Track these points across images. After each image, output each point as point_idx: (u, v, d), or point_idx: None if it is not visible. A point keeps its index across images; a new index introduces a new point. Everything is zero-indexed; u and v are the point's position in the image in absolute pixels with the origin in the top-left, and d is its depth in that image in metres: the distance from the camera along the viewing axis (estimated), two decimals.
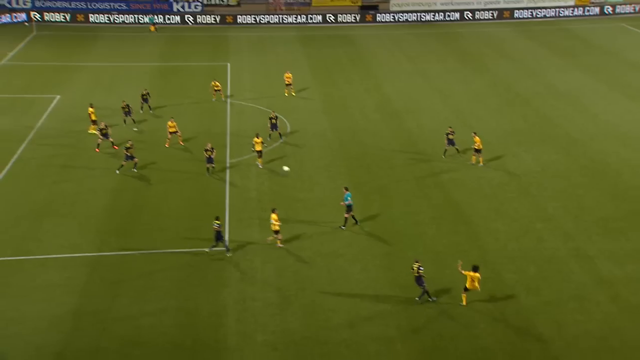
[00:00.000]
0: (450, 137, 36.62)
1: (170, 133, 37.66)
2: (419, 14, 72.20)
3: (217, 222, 27.53)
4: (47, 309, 24.56)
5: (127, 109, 40.85)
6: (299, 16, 70.29)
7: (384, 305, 24.84)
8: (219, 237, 27.54)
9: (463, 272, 24.54)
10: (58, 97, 46.08)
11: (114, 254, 27.84)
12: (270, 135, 39.02)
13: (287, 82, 47.03)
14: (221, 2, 71.36)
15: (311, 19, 70.46)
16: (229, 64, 54.85)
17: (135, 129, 40.07)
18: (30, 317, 24.11)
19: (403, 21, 71.87)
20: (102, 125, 37.35)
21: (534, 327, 23.82)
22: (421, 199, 32.55)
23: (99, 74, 51.82)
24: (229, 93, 47.17)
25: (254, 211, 31.13)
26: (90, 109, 39.50)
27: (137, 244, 28.54)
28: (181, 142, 38.05)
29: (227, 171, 34.86)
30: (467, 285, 24.45)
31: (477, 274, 24.45)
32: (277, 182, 34.21)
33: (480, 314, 24.30)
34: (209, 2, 71.00)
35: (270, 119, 38.74)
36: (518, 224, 30.37)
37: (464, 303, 24.78)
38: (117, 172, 34.59)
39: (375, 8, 72.65)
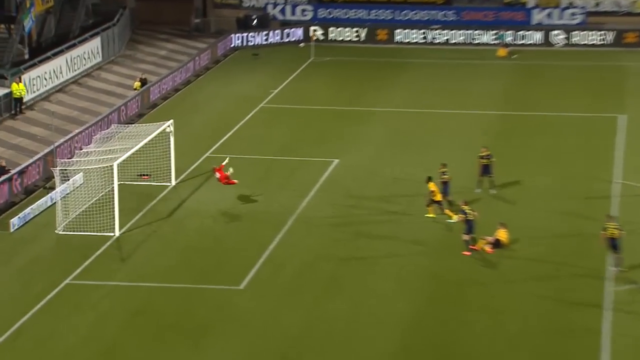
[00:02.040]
0: None
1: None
2: None
3: None
4: None
5: (446, 180, 41.21)
6: None
7: None
8: None
9: None
10: (336, 161, 47.11)
11: None
12: None
13: None
14: (617, 10, 71.48)
15: None
16: (621, 117, 53.24)
17: (450, 221, 39.87)
18: None
19: None
20: (466, 208, 37.85)
21: None
22: None
23: (397, 125, 53.16)
24: (619, 166, 46.35)
25: None
26: (431, 184, 40.69)
27: None
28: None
29: (605, 296, 33.90)
30: None
31: None
32: None
33: None
34: (595, 9, 71.52)
35: None
36: None
37: None
38: None
39: None
